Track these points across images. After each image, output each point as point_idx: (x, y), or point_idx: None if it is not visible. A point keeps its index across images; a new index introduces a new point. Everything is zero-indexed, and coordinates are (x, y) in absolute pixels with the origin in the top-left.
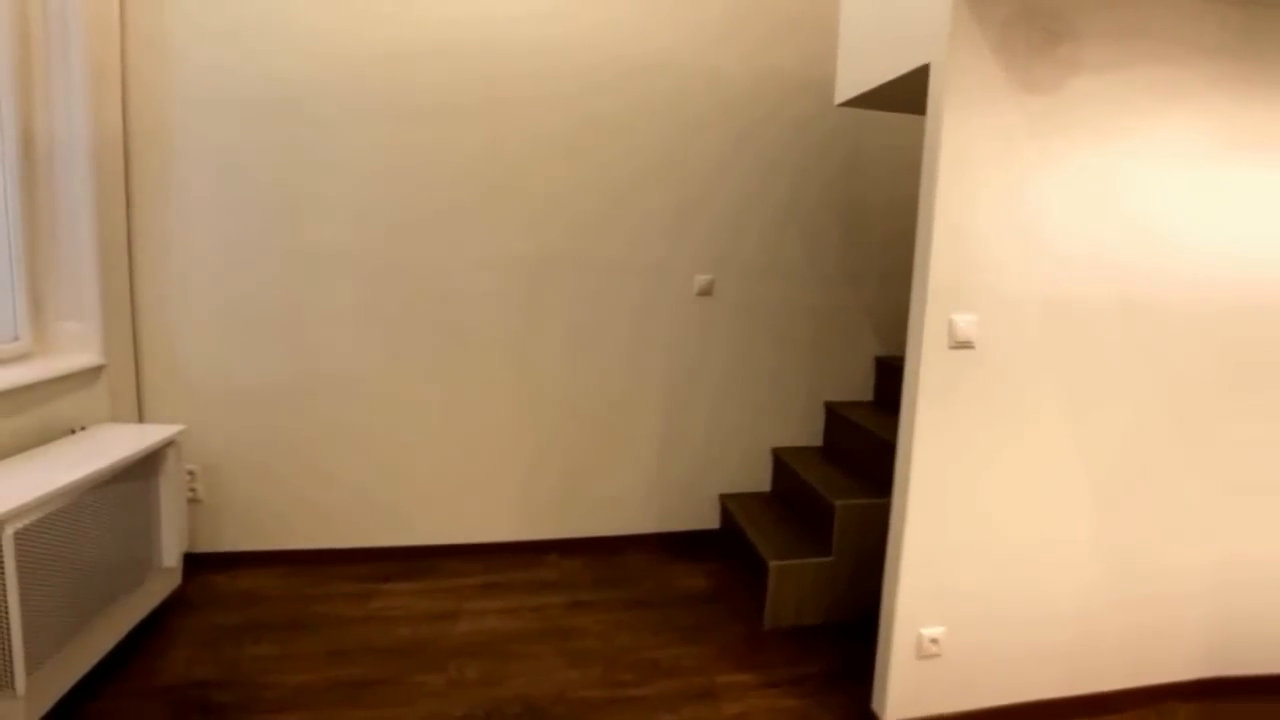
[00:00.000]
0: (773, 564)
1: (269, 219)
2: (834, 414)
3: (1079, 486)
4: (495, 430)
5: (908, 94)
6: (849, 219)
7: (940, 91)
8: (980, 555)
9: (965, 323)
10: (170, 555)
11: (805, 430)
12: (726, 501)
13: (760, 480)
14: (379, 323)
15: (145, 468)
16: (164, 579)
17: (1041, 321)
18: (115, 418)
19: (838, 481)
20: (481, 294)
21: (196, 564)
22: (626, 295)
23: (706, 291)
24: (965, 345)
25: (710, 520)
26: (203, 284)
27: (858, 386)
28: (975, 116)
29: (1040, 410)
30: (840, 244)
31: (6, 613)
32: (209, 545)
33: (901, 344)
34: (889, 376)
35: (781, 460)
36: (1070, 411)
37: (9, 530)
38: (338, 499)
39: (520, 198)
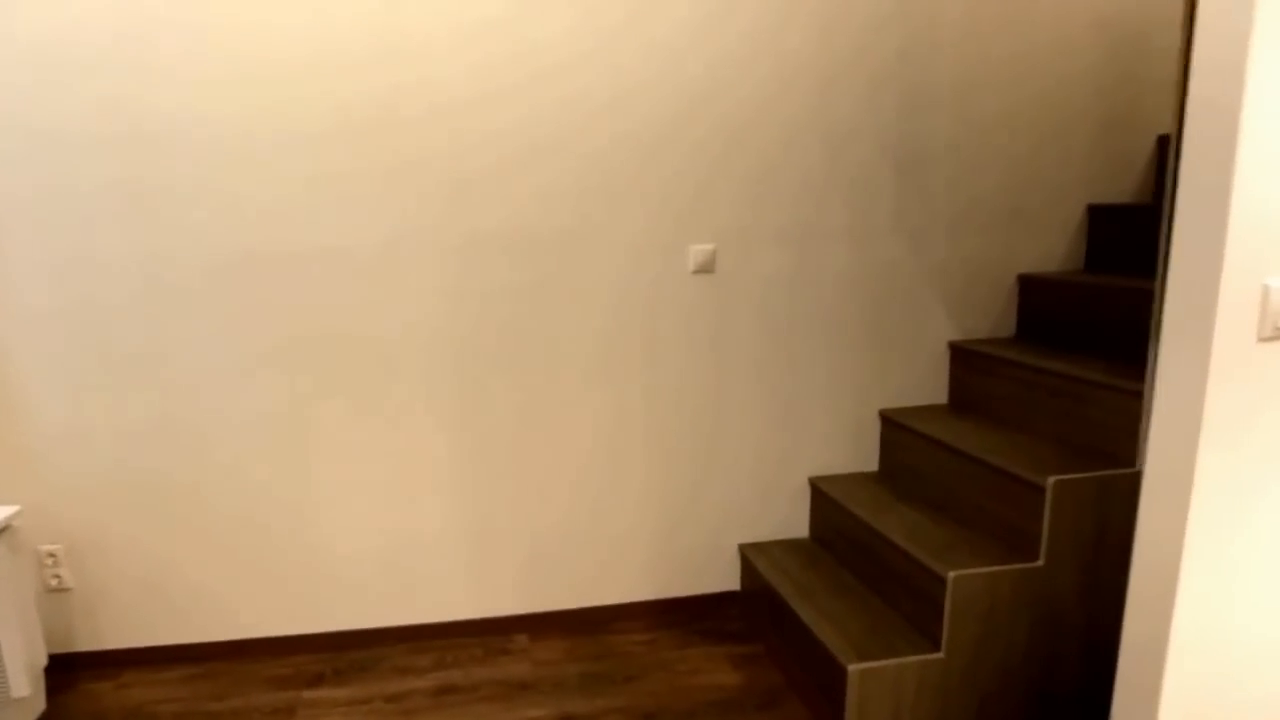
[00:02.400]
0: (853, 669)
1: (119, 225)
2: (894, 426)
3: None
4: (443, 477)
5: None
6: (901, 148)
7: None
8: None
9: None
10: (21, 682)
11: (852, 450)
12: (751, 555)
13: (793, 522)
14: (282, 352)
15: None
16: (18, 712)
17: None
18: None
19: (925, 530)
20: (411, 301)
21: (73, 669)
22: (595, 280)
23: (706, 268)
24: None
25: (727, 579)
26: (41, 320)
27: (924, 385)
28: None
29: None
30: (892, 184)
31: None
32: (89, 643)
33: (984, 322)
34: (971, 368)
35: (824, 494)
36: None
37: None
38: (245, 576)
39: (439, 158)
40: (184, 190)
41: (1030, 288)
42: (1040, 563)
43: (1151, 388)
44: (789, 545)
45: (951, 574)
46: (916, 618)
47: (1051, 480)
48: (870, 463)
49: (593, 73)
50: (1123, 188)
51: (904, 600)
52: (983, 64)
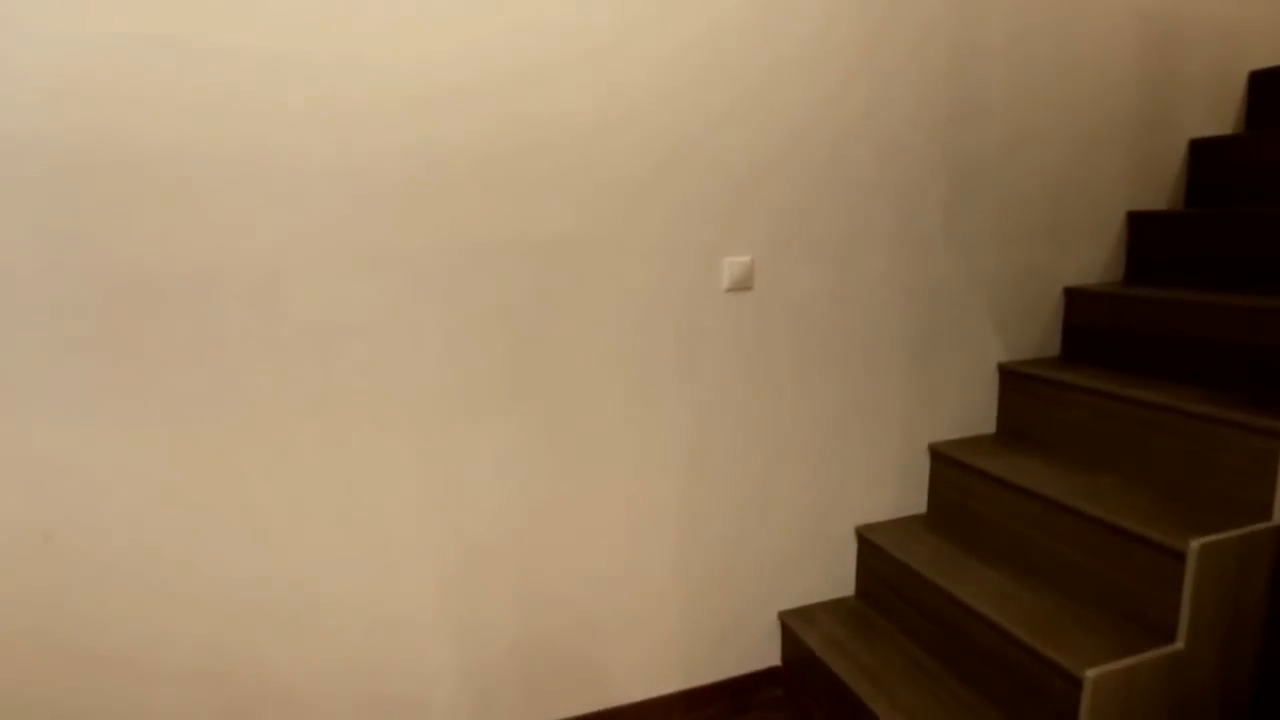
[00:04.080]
0: None
1: None
2: (947, 463)
3: None
4: (397, 548)
5: None
6: (949, 153)
7: None
8: None
9: None
10: None
11: (898, 491)
12: (795, 625)
13: (836, 578)
14: (159, 394)
15: None
16: None
17: None
18: None
19: (1016, 599)
20: (352, 315)
21: None
22: (612, 297)
23: (743, 285)
24: None
25: (766, 653)
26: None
27: (972, 413)
28: None
29: None
30: (939, 191)
31: None
32: None
33: (1030, 340)
34: (1028, 394)
35: (875, 547)
36: None
37: None
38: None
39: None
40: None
41: (1078, 302)
42: (1179, 646)
43: None
44: (836, 609)
45: (1090, 673)
46: (1017, 706)
47: (1196, 545)
48: (917, 504)
49: (623, 66)
50: (1158, 194)
51: (1004, 691)
52: (1028, 67)
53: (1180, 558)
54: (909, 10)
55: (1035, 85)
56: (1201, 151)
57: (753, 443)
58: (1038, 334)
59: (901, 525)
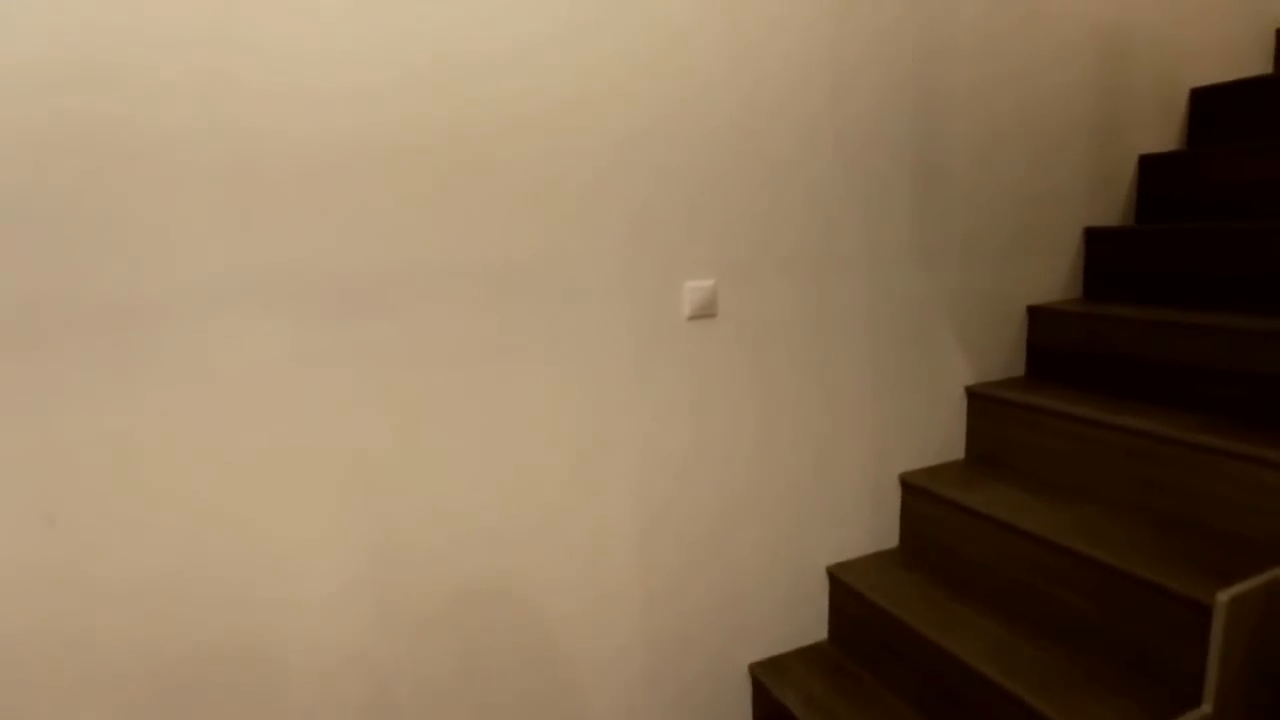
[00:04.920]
0: None
1: None
2: (921, 495)
3: None
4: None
5: None
6: (917, 157)
7: None
8: None
9: None
10: None
11: (870, 525)
12: (767, 680)
13: (807, 623)
14: None
15: None
16: None
17: None
18: None
19: (1014, 651)
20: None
21: None
22: (561, 331)
23: (705, 310)
24: None
25: (735, 714)
26: None
27: (940, 440)
28: None
29: None
30: (908, 200)
31: None
32: None
33: (996, 361)
34: (1000, 419)
35: (849, 590)
36: None
37: None
38: None
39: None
40: None
41: (1042, 321)
42: (1208, 710)
43: None
44: (810, 658)
45: None
46: None
47: (1225, 597)
48: (889, 538)
49: (557, 59)
50: (1110, 209)
51: None
52: (995, 78)
53: (1205, 610)
54: (870, 15)
55: (1001, 96)
56: (1150, 167)
57: (718, 479)
58: (1003, 355)
59: (875, 563)
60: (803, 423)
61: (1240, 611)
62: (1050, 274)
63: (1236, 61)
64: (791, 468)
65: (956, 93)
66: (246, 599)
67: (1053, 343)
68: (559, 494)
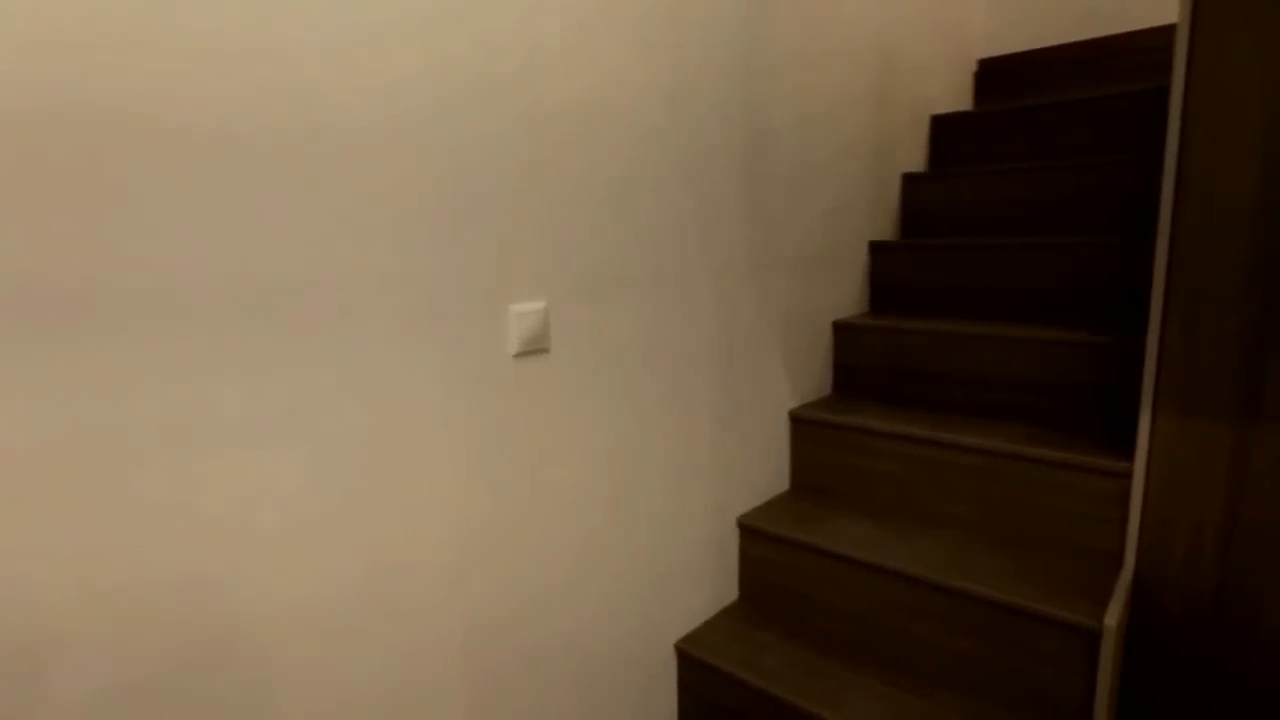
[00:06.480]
0: None
1: None
2: (760, 539)
3: None
4: None
5: None
6: (749, 169)
7: None
8: None
9: None
10: None
11: (711, 581)
12: None
13: (655, 712)
14: None
15: None
16: None
17: None
18: None
19: (907, 713)
20: None
21: None
22: (341, 377)
23: (536, 344)
24: None
25: None
26: None
27: (769, 472)
28: None
29: None
30: (742, 203)
31: None
32: None
33: (810, 382)
34: (830, 444)
35: (703, 667)
36: None
37: None
38: None
39: None
40: None
41: (848, 337)
42: None
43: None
44: None
45: None
46: None
47: (1113, 621)
48: (728, 592)
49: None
50: (884, 224)
51: None
52: (805, 79)
53: (1092, 636)
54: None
55: (809, 103)
56: (909, 185)
57: (544, 565)
58: (815, 375)
59: (724, 627)
60: (647, 475)
61: (1115, 631)
62: (849, 288)
63: (962, 94)
64: (634, 532)
65: (776, 96)
66: None
67: (857, 359)
68: (344, 616)
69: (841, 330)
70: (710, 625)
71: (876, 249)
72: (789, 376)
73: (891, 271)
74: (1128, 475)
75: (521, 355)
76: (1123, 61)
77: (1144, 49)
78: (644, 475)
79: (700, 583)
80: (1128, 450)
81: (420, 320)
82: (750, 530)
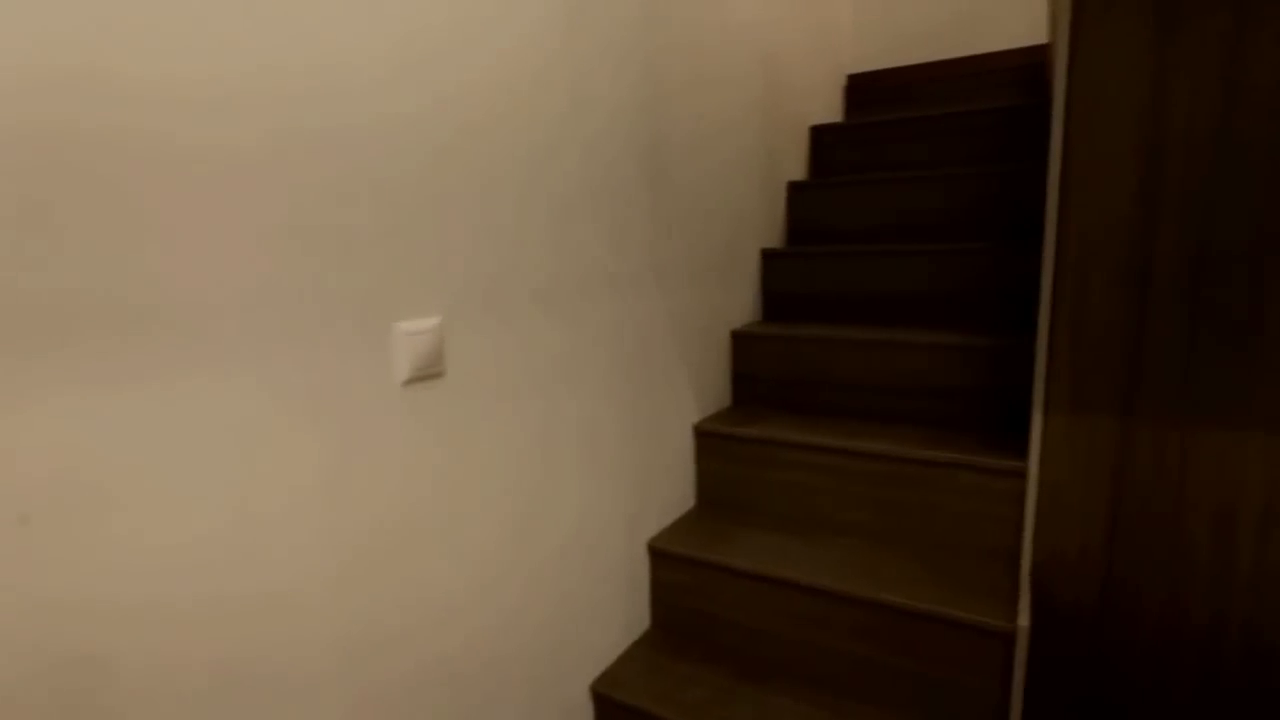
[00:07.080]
0: None
1: None
2: (673, 563)
3: None
4: None
5: None
6: (649, 148)
7: None
8: None
9: None
10: None
11: (624, 610)
12: None
13: None
14: None
15: None
16: None
17: None
18: None
19: None
20: None
21: None
22: (186, 427)
23: (428, 368)
24: None
25: None
26: None
27: (676, 490)
28: None
29: None
30: (645, 202)
31: None
32: None
33: (711, 394)
34: (724, 457)
35: (623, 709)
36: None
37: None
38: None
39: None
40: None
41: (744, 346)
42: None
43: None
44: None
45: None
46: None
47: (1026, 623)
48: (640, 620)
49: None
50: (772, 232)
51: None
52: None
53: (1007, 638)
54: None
55: (708, 102)
56: (795, 193)
57: (449, 609)
58: (716, 386)
59: (640, 660)
60: (554, 503)
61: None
62: (745, 297)
63: (836, 104)
64: (543, 565)
65: (676, 97)
66: None
67: (755, 369)
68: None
69: (739, 339)
70: (626, 659)
71: (769, 257)
72: (693, 389)
73: (783, 279)
74: (1022, 474)
75: (412, 382)
76: (987, 80)
77: (1002, 69)
78: (551, 503)
79: (613, 614)
80: (1022, 450)
81: (280, 348)
82: (660, 554)
